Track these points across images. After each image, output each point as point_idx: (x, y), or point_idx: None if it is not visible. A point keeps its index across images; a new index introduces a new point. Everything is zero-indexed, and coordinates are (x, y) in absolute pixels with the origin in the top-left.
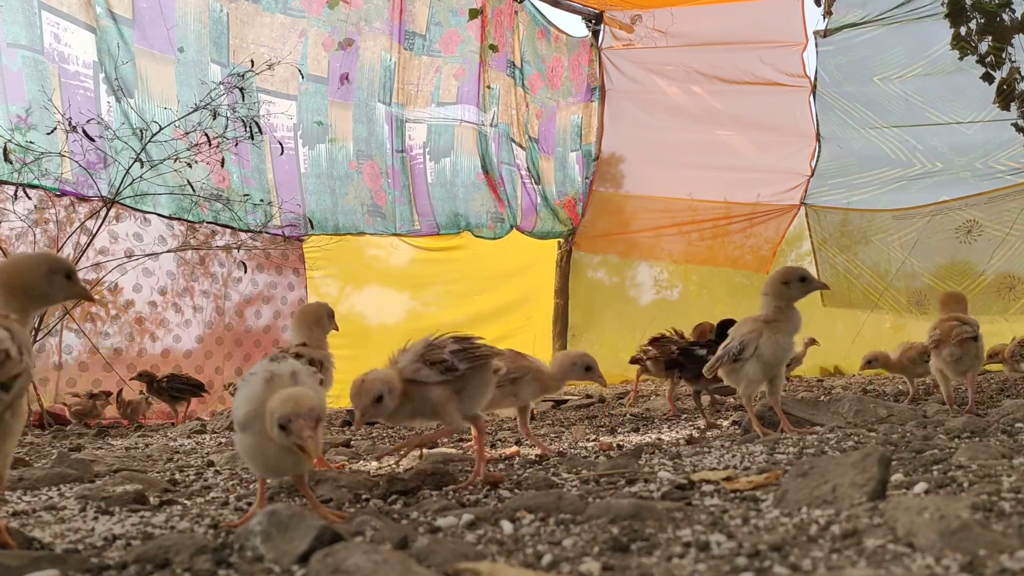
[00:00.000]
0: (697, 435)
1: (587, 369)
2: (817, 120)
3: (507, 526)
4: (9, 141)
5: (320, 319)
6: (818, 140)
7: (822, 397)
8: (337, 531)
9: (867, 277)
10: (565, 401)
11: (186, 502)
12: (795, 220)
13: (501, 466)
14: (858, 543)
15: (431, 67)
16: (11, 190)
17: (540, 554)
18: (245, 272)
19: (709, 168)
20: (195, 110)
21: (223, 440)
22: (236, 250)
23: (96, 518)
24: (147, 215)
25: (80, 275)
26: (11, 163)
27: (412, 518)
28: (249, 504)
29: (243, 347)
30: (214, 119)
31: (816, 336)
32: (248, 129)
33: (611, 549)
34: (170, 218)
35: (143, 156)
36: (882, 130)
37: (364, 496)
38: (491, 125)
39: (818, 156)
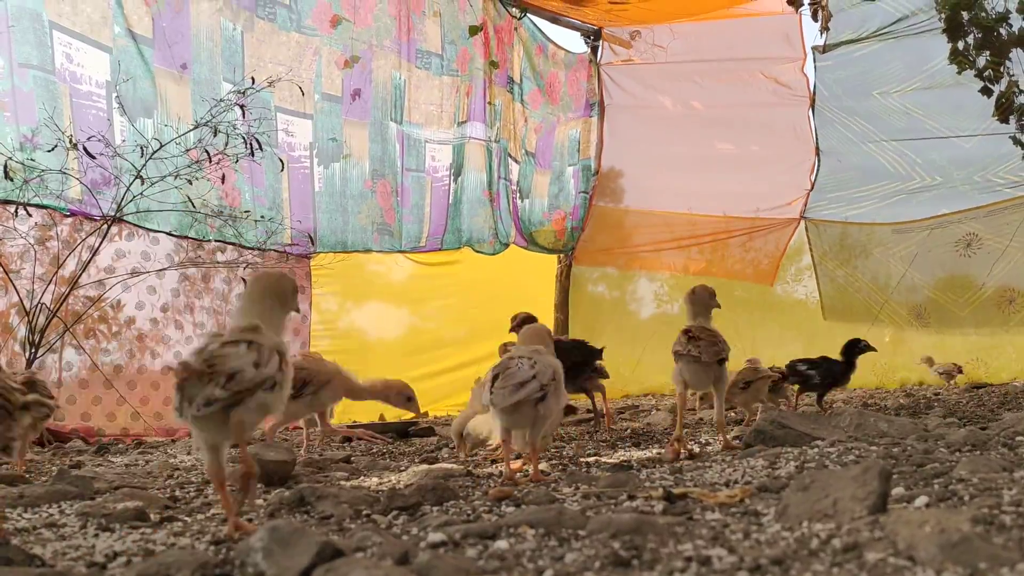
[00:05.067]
0: (698, 450)
1: (408, 400)
2: (816, 134)
3: (509, 541)
4: (10, 159)
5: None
6: (817, 154)
7: (823, 411)
8: (338, 547)
9: (867, 290)
10: (566, 415)
11: (187, 519)
12: (795, 234)
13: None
14: (859, 557)
15: (452, 87)
16: (14, 208)
17: (541, 570)
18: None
19: (708, 182)
20: (195, 127)
21: (232, 452)
22: (243, 268)
23: (97, 535)
24: (155, 234)
25: (81, 292)
26: (11, 180)
27: (413, 534)
28: (251, 520)
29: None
30: (215, 136)
31: (815, 350)
32: (248, 146)
33: (612, 564)
34: (177, 236)
35: (147, 174)
36: (881, 144)
37: (365, 512)
38: (495, 141)
39: (817, 170)
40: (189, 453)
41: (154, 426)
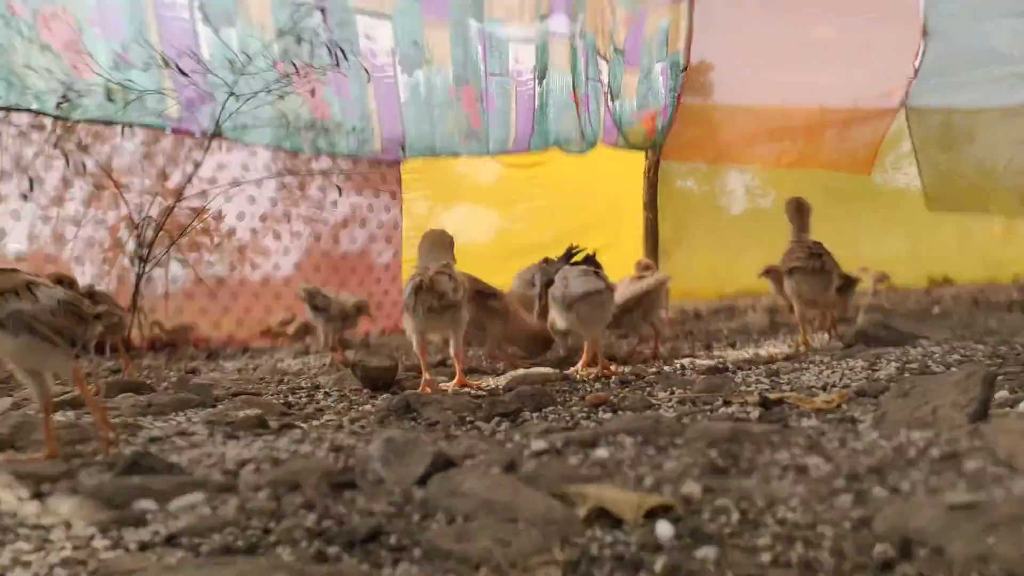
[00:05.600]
0: (795, 351)
1: None
2: (924, 13)
3: (609, 449)
4: (109, 81)
5: None
6: (923, 36)
7: (933, 308)
8: (450, 457)
9: (972, 177)
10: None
11: (303, 425)
12: (895, 122)
13: (598, 386)
14: (957, 466)
15: None
16: (120, 128)
17: (641, 476)
18: (340, 195)
19: (803, 72)
20: (279, 36)
21: (326, 361)
22: (337, 175)
23: (224, 442)
24: (253, 148)
25: (184, 204)
26: (114, 102)
27: (516, 440)
28: (363, 427)
29: (339, 273)
30: (298, 44)
31: (920, 242)
32: (333, 55)
33: (710, 472)
34: (273, 149)
35: (239, 89)
36: (995, 21)
37: (468, 418)
38: (580, 36)
39: (923, 54)
40: (295, 357)
41: (257, 333)
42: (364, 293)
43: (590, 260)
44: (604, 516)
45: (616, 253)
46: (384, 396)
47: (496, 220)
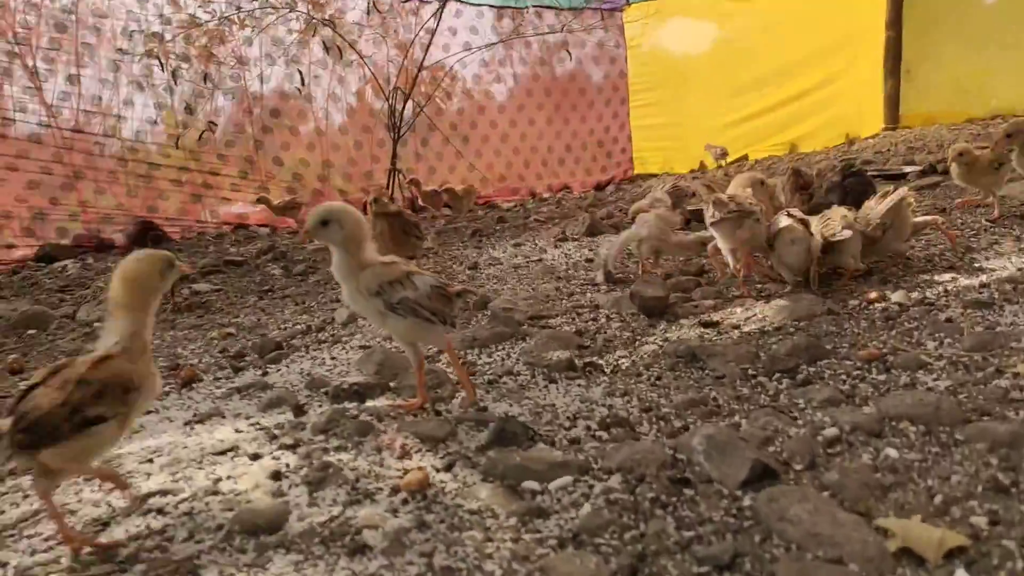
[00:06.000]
0: None
1: None
2: None
3: (895, 445)
4: None
5: None
6: None
7: None
8: (765, 462)
9: None
10: (903, 175)
11: (602, 364)
12: None
13: (864, 324)
14: None
15: None
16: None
17: (932, 492)
18: (570, 60)
19: None
20: None
21: (587, 251)
22: (562, 29)
23: (547, 387)
24: (480, 8)
25: (425, 73)
26: None
27: (801, 409)
28: (659, 379)
29: (570, 124)
30: None
31: None
32: None
33: (994, 490)
34: (499, 7)
35: None
36: None
37: (750, 372)
38: None
39: None
40: (555, 246)
41: (499, 187)
42: (594, 141)
43: (859, 175)
44: (908, 552)
45: (852, 79)
46: (661, 325)
47: (720, 55)
